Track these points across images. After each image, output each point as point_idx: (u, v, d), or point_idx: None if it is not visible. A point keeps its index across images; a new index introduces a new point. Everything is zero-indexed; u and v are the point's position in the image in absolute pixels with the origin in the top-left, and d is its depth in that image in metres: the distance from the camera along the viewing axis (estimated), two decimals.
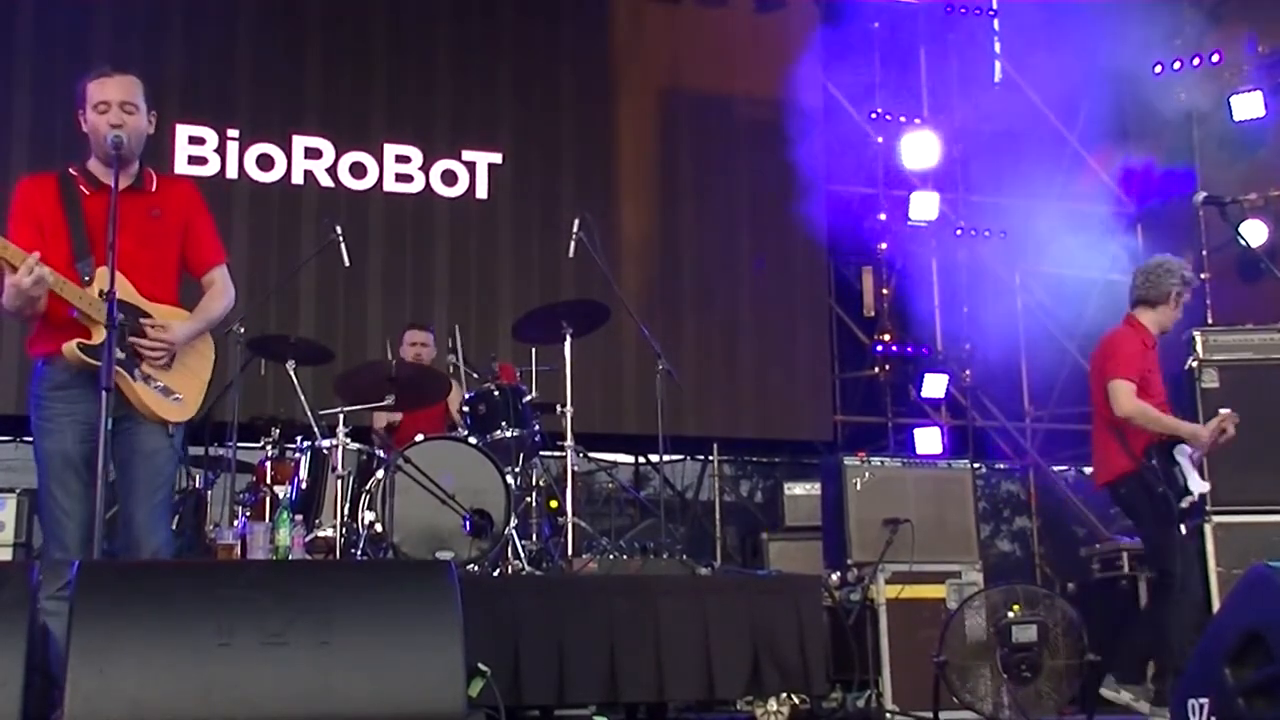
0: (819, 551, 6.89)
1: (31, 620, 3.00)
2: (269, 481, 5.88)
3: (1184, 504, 5.17)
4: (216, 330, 4.12)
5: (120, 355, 3.69)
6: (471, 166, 8.61)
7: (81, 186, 3.86)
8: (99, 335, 3.67)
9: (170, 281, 3.96)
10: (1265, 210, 8.65)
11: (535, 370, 6.38)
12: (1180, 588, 5.15)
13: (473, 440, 5.80)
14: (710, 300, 8.93)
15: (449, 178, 8.56)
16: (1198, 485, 5.23)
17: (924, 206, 9.26)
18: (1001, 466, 10.74)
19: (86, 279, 3.72)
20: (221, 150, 8.10)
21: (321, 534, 5.56)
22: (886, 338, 9.43)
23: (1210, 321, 8.44)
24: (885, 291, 9.53)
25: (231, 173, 8.09)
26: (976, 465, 8.23)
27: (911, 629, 5.92)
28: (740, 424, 9.04)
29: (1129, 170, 9.86)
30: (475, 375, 6.51)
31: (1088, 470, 11.33)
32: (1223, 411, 5.37)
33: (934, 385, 9.16)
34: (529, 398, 6.12)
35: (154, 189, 3.96)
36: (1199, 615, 5.23)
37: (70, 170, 3.90)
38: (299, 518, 5.30)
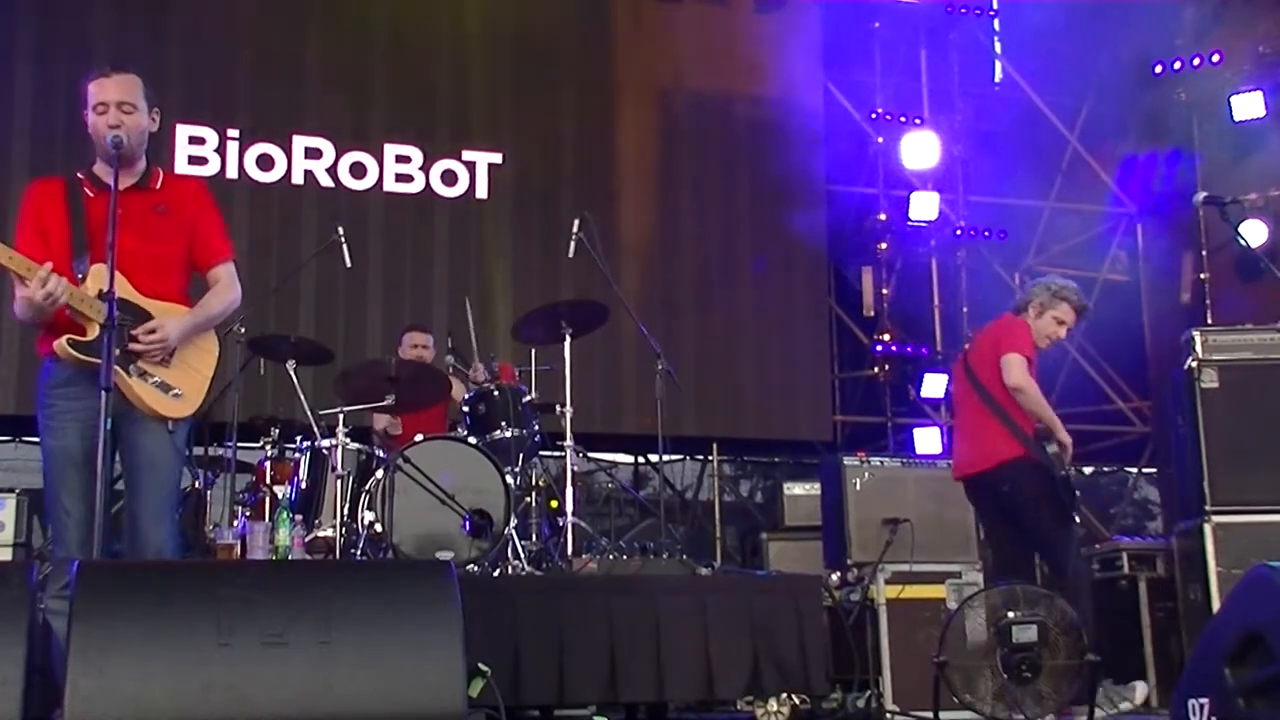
0: (819, 551, 6.89)
1: (31, 620, 3.00)
2: (269, 481, 5.88)
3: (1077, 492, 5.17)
4: (220, 327, 4.11)
5: (115, 352, 3.70)
6: (471, 166, 8.61)
7: (86, 189, 3.87)
8: (93, 332, 3.68)
9: (175, 278, 3.95)
10: (1265, 210, 8.64)
11: (535, 370, 6.37)
12: (1081, 571, 5.17)
13: (472, 440, 5.80)
14: (710, 300, 8.93)
15: (449, 178, 8.56)
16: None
17: (924, 206, 9.26)
18: None
19: (80, 276, 3.72)
20: (222, 150, 8.11)
21: (321, 534, 5.55)
22: (886, 338, 9.43)
23: (1210, 321, 8.44)
24: (885, 291, 9.53)
25: (232, 173, 8.10)
26: None
27: (911, 629, 5.91)
28: (740, 424, 9.04)
29: (1129, 169, 9.86)
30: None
31: (1088, 470, 11.38)
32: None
33: (934, 385, 9.15)
34: (528, 398, 6.11)
35: (159, 186, 3.97)
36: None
37: (78, 175, 3.92)
38: (299, 518, 5.30)
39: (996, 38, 10.17)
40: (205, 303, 3.99)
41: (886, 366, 9.41)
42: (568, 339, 5.92)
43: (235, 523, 5.77)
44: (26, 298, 3.65)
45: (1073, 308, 5.53)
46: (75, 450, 3.70)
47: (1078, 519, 5.25)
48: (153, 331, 3.78)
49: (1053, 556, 5.34)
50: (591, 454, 8.78)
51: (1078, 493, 5.20)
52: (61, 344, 3.69)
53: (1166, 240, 9.54)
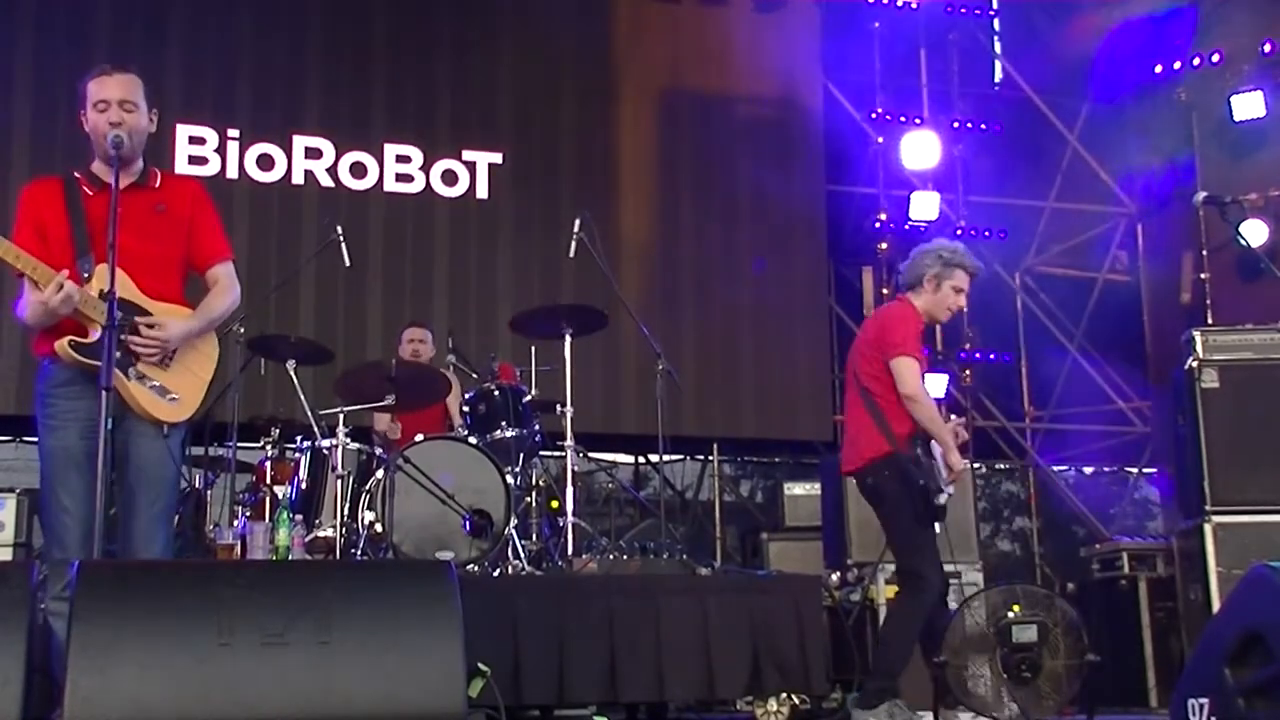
0: (819, 551, 6.90)
1: (31, 620, 3.00)
2: (269, 481, 5.88)
3: (939, 500, 4.79)
4: (219, 327, 4.10)
5: (115, 354, 3.69)
6: (472, 166, 8.61)
7: (84, 187, 3.85)
8: (94, 333, 3.66)
9: (174, 278, 3.92)
10: (1265, 210, 8.64)
11: (535, 370, 6.38)
12: (928, 588, 4.81)
13: (473, 440, 5.80)
14: (710, 300, 8.93)
15: (449, 177, 8.56)
16: (947, 487, 4.85)
17: (924, 206, 9.24)
18: (1001, 466, 10.76)
19: (86, 276, 3.70)
20: (222, 150, 8.11)
21: (321, 534, 5.55)
22: None
23: (1210, 321, 8.44)
24: (885, 291, 9.50)
25: (232, 173, 8.10)
26: (976, 465, 8.22)
27: None
28: (740, 424, 9.03)
29: (1129, 169, 9.86)
30: (475, 375, 6.51)
31: (1088, 470, 11.39)
32: (955, 417, 5.20)
33: (934, 385, 9.14)
34: (529, 397, 6.12)
35: (158, 185, 3.95)
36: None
37: (75, 174, 3.89)
38: (299, 518, 5.31)
39: (996, 38, 10.17)
40: (207, 304, 3.96)
41: None
42: (568, 339, 5.92)
43: (235, 523, 5.77)
44: (42, 302, 3.62)
45: (967, 272, 5.13)
46: (76, 450, 3.68)
47: (936, 529, 4.82)
48: (153, 327, 3.75)
49: (906, 561, 4.91)
50: (592, 454, 8.78)
51: (942, 500, 4.80)
52: (63, 345, 3.66)
53: (1166, 240, 9.54)
